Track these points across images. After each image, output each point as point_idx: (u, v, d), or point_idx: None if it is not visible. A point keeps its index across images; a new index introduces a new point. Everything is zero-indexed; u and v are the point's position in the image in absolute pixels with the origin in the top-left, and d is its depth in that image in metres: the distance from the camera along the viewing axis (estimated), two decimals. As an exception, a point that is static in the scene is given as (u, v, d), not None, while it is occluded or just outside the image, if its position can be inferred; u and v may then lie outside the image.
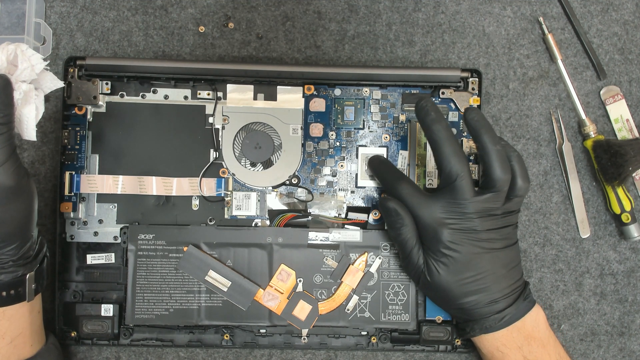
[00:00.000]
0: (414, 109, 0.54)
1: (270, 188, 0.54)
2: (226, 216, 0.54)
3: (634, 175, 0.57)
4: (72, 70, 0.53)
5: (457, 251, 0.45)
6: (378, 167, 0.51)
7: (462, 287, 0.46)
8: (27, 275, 0.44)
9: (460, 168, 0.44)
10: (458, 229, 0.45)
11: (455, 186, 0.45)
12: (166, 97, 0.54)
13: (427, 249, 0.47)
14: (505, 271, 0.46)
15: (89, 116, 0.53)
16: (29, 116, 0.43)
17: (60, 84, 0.46)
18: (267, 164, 0.54)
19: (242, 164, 0.54)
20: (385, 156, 0.54)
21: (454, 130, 0.55)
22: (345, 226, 0.53)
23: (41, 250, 0.46)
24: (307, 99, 0.55)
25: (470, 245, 0.45)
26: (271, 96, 0.54)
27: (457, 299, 0.46)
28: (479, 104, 0.55)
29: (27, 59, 0.42)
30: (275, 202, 0.54)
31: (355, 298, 0.52)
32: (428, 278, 0.47)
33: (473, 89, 0.55)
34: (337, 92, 0.55)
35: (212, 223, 0.53)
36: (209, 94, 0.54)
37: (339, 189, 0.55)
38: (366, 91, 0.55)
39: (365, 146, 0.55)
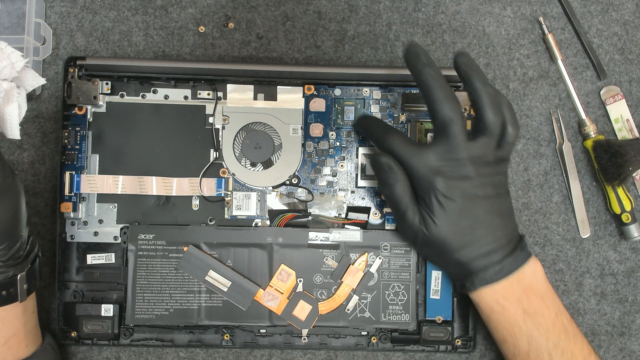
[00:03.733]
0: (413, 107, 0.54)
1: (270, 188, 0.54)
2: (226, 216, 0.54)
3: (634, 175, 0.57)
4: (72, 70, 0.53)
5: (452, 199, 0.44)
6: (367, 124, 0.50)
7: (459, 238, 0.45)
8: (19, 276, 0.44)
9: (453, 113, 0.43)
10: (452, 176, 0.44)
11: (449, 132, 0.44)
12: (166, 97, 0.54)
13: (422, 201, 0.46)
14: (501, 220, 0.46)
15: (89, 116, 0.53)
16: (12, 115, 0.42)
17: (42, 81, 0.45)
18: (267, 164, 0.54)
19: (242, 164, 0.54)
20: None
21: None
22: (346, 226, 0.53)
23: (32, 251, 0.46)
24: (307, 99, 0.55)
25: (464, 193, 0.45)
26: (271, 96, 0.54)
27: (454, 251, 0.46)
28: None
29: (7, 56, 0.42)
30: (275, 202, 0.54)
31: (355, 298, 0.52)
32: (425, 232, 0.46)
33: (473, 89, 0.55)
34: (337, 92, 0.55)
35: (212, 223, 0.53)
36: (209, 94, 0.54)
37: (339, 189, 0.55)
38: (366, 91, 0.55)
39: (365, 146, 0.55)
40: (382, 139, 0.47)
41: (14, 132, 0.43)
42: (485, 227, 0.45)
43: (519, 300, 0.46)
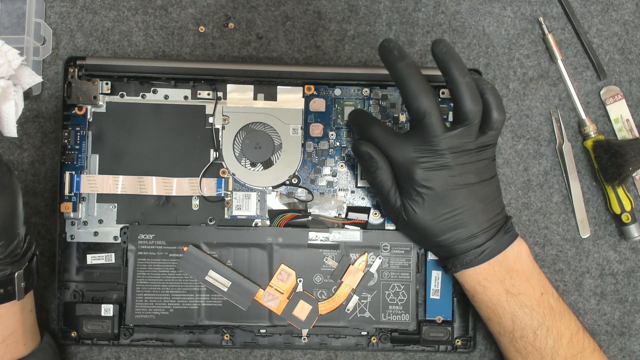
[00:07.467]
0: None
1: (270, 188, 0.54)
2: (226, 216, 0.54)
3: (634, 175, 0.57)
4: (72, 70, 0.53)
5: (431, 188, 0.45)
6: (355, 117, 0.51)
7: (439, 225, 0.45)
8: (16, 274, 0.44)
9: (428, 104, 0.43)
10: (430, 167, 0.45)
11: (425, 124, 0.44)
12: (166, 97, 0.54)
13: (402, 189, 0.46)
14: (483, 205, 0.46)
15: (89, 116, 0.53)
16: (9, 113, 0.42)
17: (39, 79, 0.45)
18: (267, 164, 0.54)
19: (242, 164, 0.54)
20: None
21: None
22: (345, 226, 0.53)
23: (30, 249, 0.46)
24: (307, 99, 0.55)
25: (443, 182, 0.45)
26: (271, 96, 0.54)
27: (435, 236, 0.46)
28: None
29: (4, 54, 0.42)
30: (275, 202, 0.54)
31: (355, 298, 0.52)
32: (405, 218, 0.46)
33: (473, 89, 0.55)
34: (337, 92, 0.55)
35: (212, 223, 0.53)
36: (209, 94, 0.54)
37: (339, 189, 0.55)
38: (366, 91, 0.55)
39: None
40: (364, 129, 0.48)
41: (10, 130, 0.43)
42: (466, 214, 0.45)
43: (501, 281, 0.46)
